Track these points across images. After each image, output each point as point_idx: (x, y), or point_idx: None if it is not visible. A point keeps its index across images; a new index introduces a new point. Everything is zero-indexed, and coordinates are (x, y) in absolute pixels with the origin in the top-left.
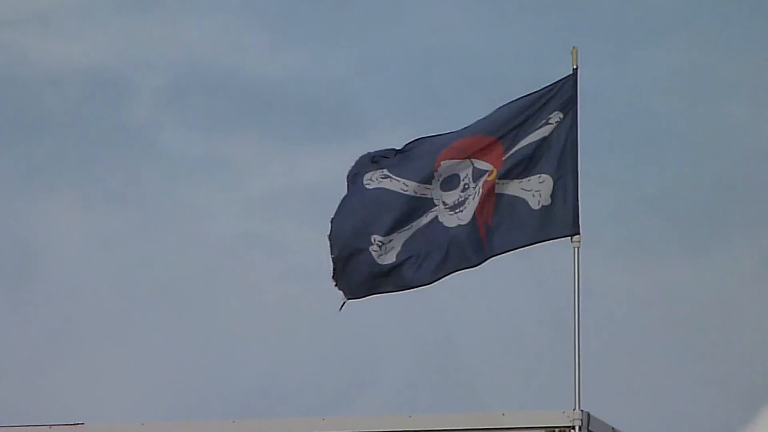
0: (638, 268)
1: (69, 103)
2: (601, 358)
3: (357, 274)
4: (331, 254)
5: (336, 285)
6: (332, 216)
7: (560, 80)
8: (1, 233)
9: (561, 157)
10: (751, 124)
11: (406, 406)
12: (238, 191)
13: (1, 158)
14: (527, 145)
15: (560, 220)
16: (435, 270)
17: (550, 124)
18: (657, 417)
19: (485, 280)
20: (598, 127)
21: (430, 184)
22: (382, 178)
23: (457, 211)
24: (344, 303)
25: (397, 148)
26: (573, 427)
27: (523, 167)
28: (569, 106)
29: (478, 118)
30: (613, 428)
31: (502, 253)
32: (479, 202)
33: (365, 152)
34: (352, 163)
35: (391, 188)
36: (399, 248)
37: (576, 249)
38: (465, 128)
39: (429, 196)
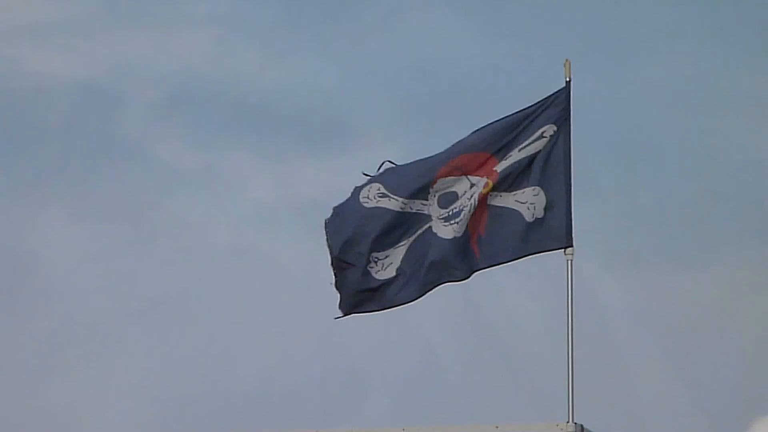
0: (632, 281)
1: (63, 115)
2: (594, 370)
3: (346, 289)
4: (331, 254)
5: (336, 287)
6: (327, 219)
7: (553, 93)
8: None
9: (555, 170)
10: (745, 137)
11: (400, 419)
12: (232, 204)
13: None
14: (522, 158)
15: (554, 232)
16: (421, 286)
17: (545, 137)
18: (650, 430)
19: (479, 292)
20: (591, 140)
21: (427, 200)
22: (380, 196)
23: (452, 222)
24: (339, 316)
25: (393, 161)
26: None
27: (517, 180)
28: (563, 119)
29: (472, 131)
30: None
31: (496, 264)
32: (473, 214)
33: (358, 165)
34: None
35: (388, 207)
36: (398, 263)
37: (569, 261)
38: (459, 142)
39: (426, 212)
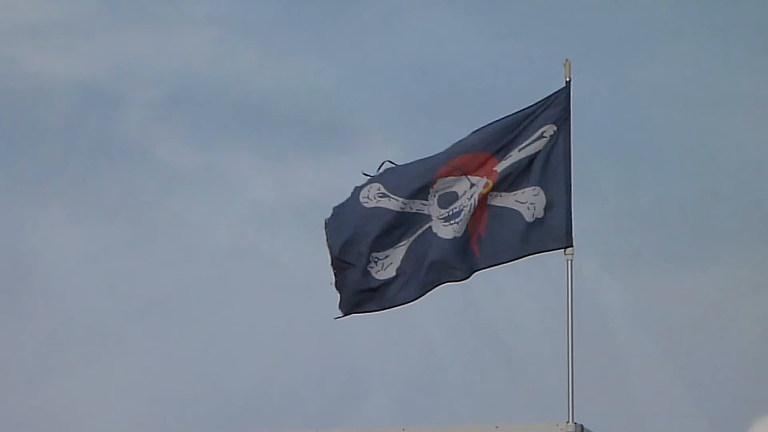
0: (632, 281)
1: (63, 115)
2: (594, 370)
3: (346, 289)
4: (331, 254)
5: (336, 287)
6: (327, 219)
7: (553, 93)
8: None
9: (555, 170)
10: (745, 137)
11: (400, 419)
12: (232, 204)
13: None
14: (522, 158)
15: (554, 232)
16: (421, 286)
17: (545, 137)
18: (650, 430)
19: (478, 292)
20: (591, 140)
21: (427, 199)
22: (380, 196)
23: (452, 222)
24: (339, 316)
25: (393, 161)
26: None
27: (517, 180)
28: (563, 119)
29: (473, 130)
30: None
31: (496, 264)
32: (473, 214)
33: (358, 165)
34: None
35: (388, 207)
36: (398, 263)
37: (569, 261)
38: (459, 142)
39: (426, 212)
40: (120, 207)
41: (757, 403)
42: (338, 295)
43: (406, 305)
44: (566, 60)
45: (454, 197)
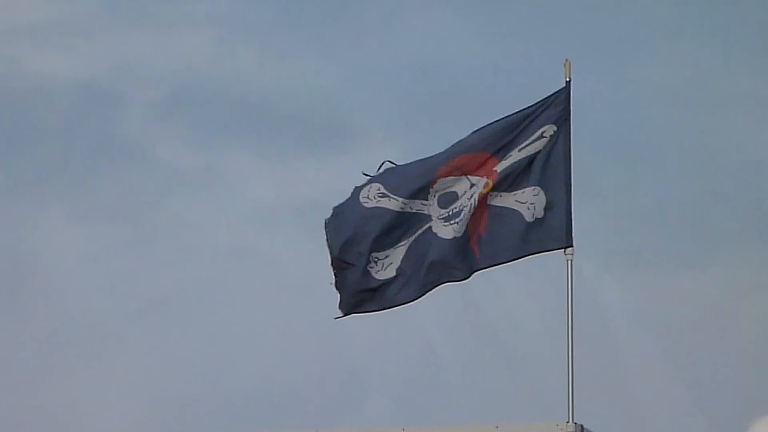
0: (632, 281)
1: (63, 115)
2: (594, 370)
3: (346, 289)
4: (331, 254)
5: (336, 287)
6: (327, 219)
7: (553, 93)
8: None
9: (555, 170)
10: (745, 137)
11: (400, 419)
12: (232, 204)
13: None
14: (522, 158)
15: (554, 232)
16: (421, 286)
17: (545, 137)
18: (650, 430)
19: (478, 292)
20: (591, 140)
21: (427, 199)
22: (380, 196)
23: (452, 222)
24: (339, 316)
25: (393, 161)
26: None
27: (517, 180)
28: (563, 119)
29: (473, 130)
30: None
31: (496, 264)
32: (473, 214)
33: (358, 165)
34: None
35: (388, 207)
36: (398, 263)
37: (569, 261)
38: (459, 142)
39: (426, 212)
40: (120, 207)
41: (757, 403)
42: (338, 295)
43: (406, 305)
44: (566, 60)
45: (454, 197)
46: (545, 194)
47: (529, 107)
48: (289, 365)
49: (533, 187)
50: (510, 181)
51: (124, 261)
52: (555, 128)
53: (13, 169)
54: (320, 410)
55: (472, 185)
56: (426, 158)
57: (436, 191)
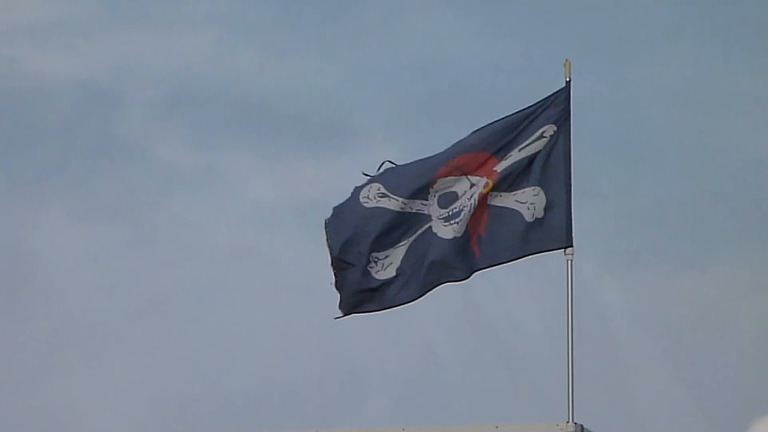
0: (632, 281)
1: (63, 115)
2: (594, 370)
3: (346, 289)
4: (331, 254)
5: (336, 287)
6: (327, 219)
7: (553, 93)
8: None
9: (555, 170)
10: (745, 137)
11: (400, 419)
12: (232, 204)
13: None
14: (522, 158)
15: (554, 232)
16: (421, 286)
17: (545, 137)
18: (650, 430)
19: (478, 292)
20: (591, 140)
21: (427, 199)
22: (380, 196)
23: (452, 222)
24: (339, 316)
25: (393, 161)
26: None
27: (517, 180)
28: (563, 119)
29: (473, 130)
30: None
31: (496, 264)
32: (473, 214)
33: (358, 165)
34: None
35: (388, 207)
36: (398, 263)
37: (569, 261)
38: (459, 142)
39: (426, 212)
40: (120, 207)
41: (757, 403)
42: (338, 295)
43: (406, 305)
44: (566, 60)
45: (454, 197)
46: (545, 194)
47: (529, 107)
48: (289, 365)
49: (533, 187)
50: (510, 181)
51: (124, 261)
52: (555, 128)
53: (13, 169)
54: (320, 410)
55: (472, 185)
56: (426, 158)
57: (436, 191)
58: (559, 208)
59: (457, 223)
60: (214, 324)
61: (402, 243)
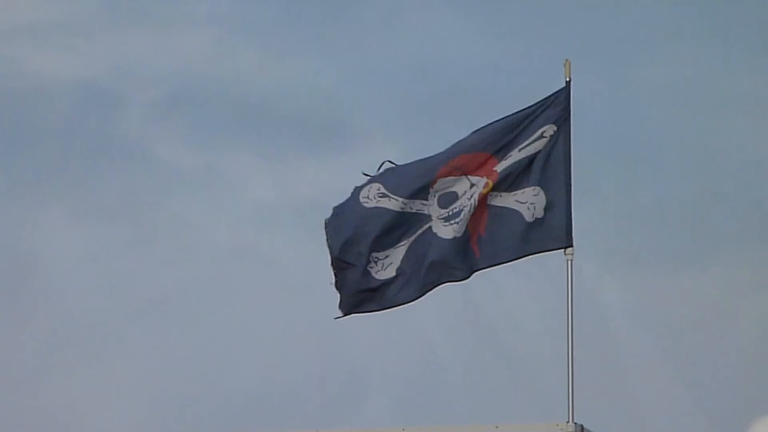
0: (632, 281)
1: (63, 115)
2: (594, 370)
3: (346, 289)
4: (331, 254)
5: (336, 287)
6: (327, 219)
7: (553, 93)
8: None
9: (555, 170)
10: (745, 137)
11: (400, 419)
12: (232, 204)
13: None
14: (522, 158)
15: (554, 232)
16: (421, 286)
17: (545, 137)
18: (650, 430)
19: (478, 292)
20: (591, 140)
21: (427, 199)
22: (380, 196)
23: (452, 222)
24: (339, 316)
25: (393, 161)
26: None
27: (517, 180)
28: (563, 119)
29: (473, 130)
30: None
31: (496, 264)
32: (473, 214)
33: (358, 165)
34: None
35: (388, 207)
36: (398, 263)
37: (569, 261)
38: (459, 142)
39: (426, 212)
40: (120, 207)
41: (757, 403)
42: (338, 295)
43: (406, 305)
44: (566, 60)
45: (454, 197)
46: (545, 194)
47: (529, 107)
48: (289, 365)
49: (533, 187)
50: (510, 181)
51: (124, 261)
52: (555, 128)
53: (13, 169)
54: (320, 410)
55: (472, 185)
56: (426, 158)
57: (436, 191)
58: (559, 208)
59: (457, 223)
60: (214, 324)
61: (402, 243)
